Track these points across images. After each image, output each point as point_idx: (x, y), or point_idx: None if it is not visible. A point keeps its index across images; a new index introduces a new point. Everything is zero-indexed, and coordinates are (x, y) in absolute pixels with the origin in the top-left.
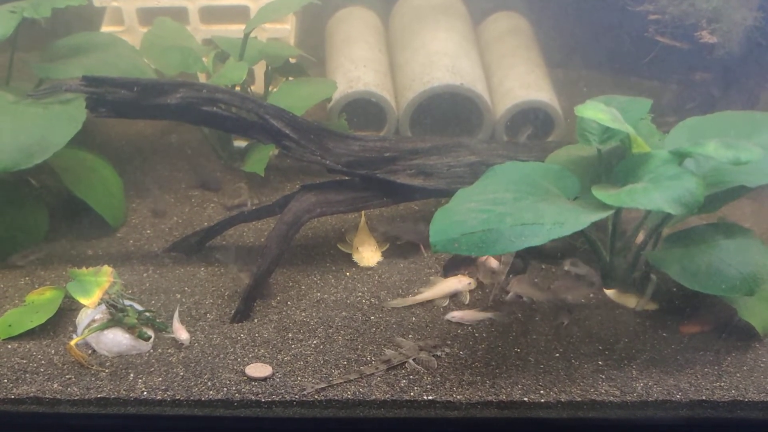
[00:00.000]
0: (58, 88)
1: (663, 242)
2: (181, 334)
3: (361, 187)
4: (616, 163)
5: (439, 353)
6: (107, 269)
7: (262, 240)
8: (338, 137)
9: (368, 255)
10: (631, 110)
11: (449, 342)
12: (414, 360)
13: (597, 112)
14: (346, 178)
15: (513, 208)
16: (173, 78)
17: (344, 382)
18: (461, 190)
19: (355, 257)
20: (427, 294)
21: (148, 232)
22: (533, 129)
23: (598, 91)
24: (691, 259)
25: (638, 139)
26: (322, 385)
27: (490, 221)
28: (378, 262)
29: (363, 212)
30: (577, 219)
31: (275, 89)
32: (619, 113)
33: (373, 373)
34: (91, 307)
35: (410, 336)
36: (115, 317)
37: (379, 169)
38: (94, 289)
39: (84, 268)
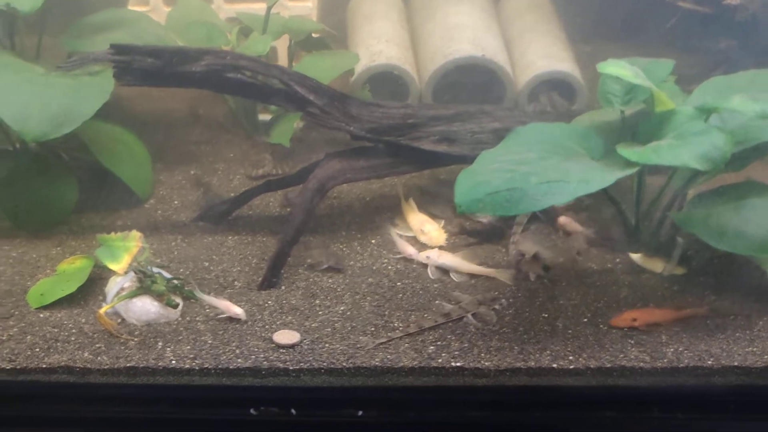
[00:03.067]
0: (86, 59)
1: (689, 203)
2: (234, 308)
3: (385, 154)
4: (640, 124)
5: (497, 306)
6: (135, 234)
7: (288, 209)
8: (362, 104)
9: (436, 234)
10: (654, 71)
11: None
12: (473, 314)
13: (619, 68)
14: (370, 144)
15: (538, 168)
16: (199, 47)
17: (404, 335)
18: (485, 152)
19: (422, 239)
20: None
21: (176, 203)
22: (558, 97)
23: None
24: (719, 219)
25: (662, 95)
26: (382, 340)
27: (515, 180)
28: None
29: (408, 197)
30: (602, 176)
31: (297, 64)
32: (641, 72)
33: (432, 327)
34: (120, 272)
35: (437, 301)
36: (144, 284)
37: (403, 135)
38: (123, 255)
39: (112, 234)
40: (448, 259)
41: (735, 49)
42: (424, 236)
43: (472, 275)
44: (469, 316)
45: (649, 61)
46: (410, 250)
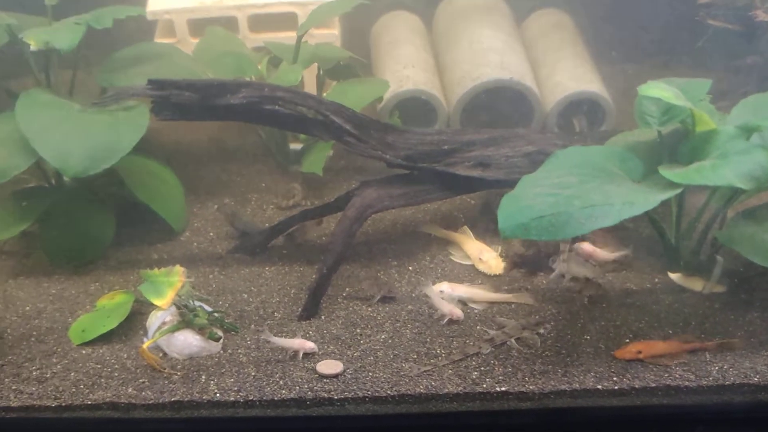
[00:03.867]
0: (122, 94)
1: (731, 221)
2: (307, 344)
3: (421, 180)
4: (678, 145)
5: (541, 331)
6: (179, 269)
7: (324, 238)
8: (397, 132)
9: (495, 262)
10: (690, 91)
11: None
12: (516, 339)
13: (660, 90)
14: (405, 171)
15: (580, 191)
16: (236, 78)
17: (449, 363)
18: (525, 176)
19: (481, 267)
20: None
21: (211, 234)
22: (586, 119)
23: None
24: (764, 236)
25: (704, 115)
26: (427, 368)
27: (559, 204)
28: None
29: (461, 224)
30: (646, 198)
31: (327, 91)
32: (681, 93)
33: (477, 353)
34: (164, 307)
35: (477, 327)
36: (186, 318)
37: (438, 161)
38: (167, 290)
39: (155, 269)
40: (463, 291)
41: (763, 65)
42: (483, 264)
43: (491, 303)
44: (513, 341)
45: (686, 81)
46: (446, 308)
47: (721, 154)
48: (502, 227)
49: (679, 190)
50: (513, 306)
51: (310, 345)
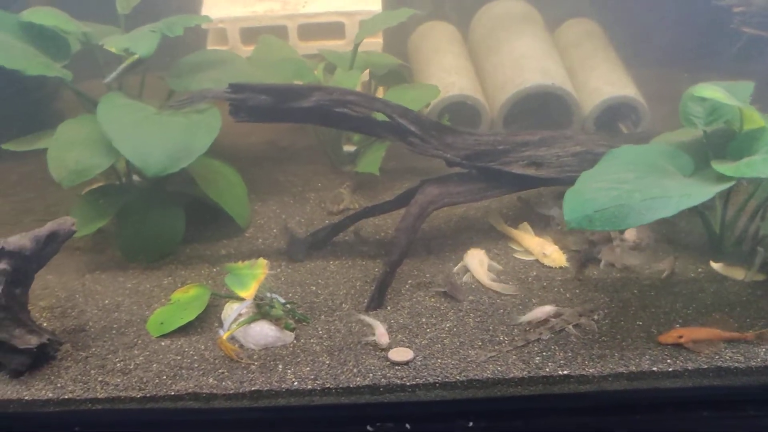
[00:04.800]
0: (197, 97)
1: None
2: (385, 337)
3: (478, 179)
4: (721, 143)
5: (596, 317)
6: (262, 261)
7: (382, 234)
8: (456, 133)
9: (557, 255)
10: (735, 92)
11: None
12: (574, 326)
13: (712, 91)
14: (463, 170)
15: (638, 185)
16: (308, 84)
17: (512, 348)
18: (584, 173)
19: (546, 261)
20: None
21: (275, 231)
22: (626, 122)
23: (674, 87)
24: None
25: (754, 113)
26: (492, 354)
27: (621, 197)
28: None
29: (525, 223)
30: (701, 191)
31: (380, 96)
32: (726, 92)
33: (538, 339)
34: (248, 298)
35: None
36: (263, 310)
37: (494, 161)
38: (251, 282)
39: (240, 262)
40: (476, 265)
41: None
42: (547, 258)
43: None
44: (571, 327)
45: (729, 83)
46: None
47: None
48: (568, 219)
49: (731, 183)
50: (569, 295)
51: (386, 339)
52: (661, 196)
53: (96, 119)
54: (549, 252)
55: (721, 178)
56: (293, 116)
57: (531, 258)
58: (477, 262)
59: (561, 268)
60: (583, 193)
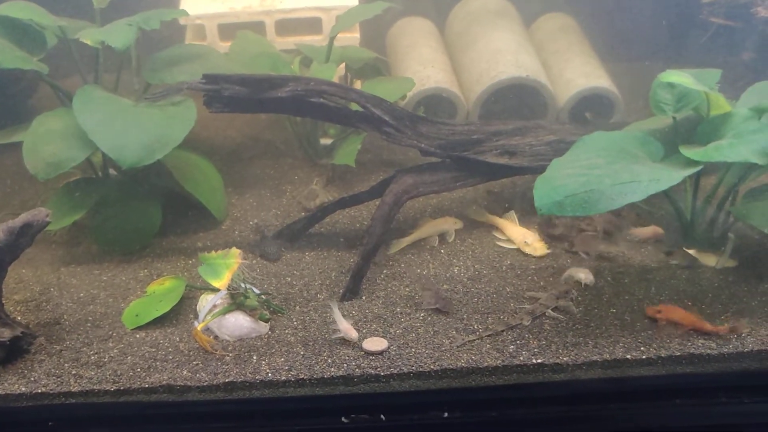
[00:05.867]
0: (173, 90)
1: (743, 198)
2: (352, 333)
3: (452, 168)
4: (691, 130)
5: (573, 295)
6: (235, 251)
7: (357, 225)
8: (430, 123)
9: (539, 245)
10: (703, 79)
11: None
12: (553, 309)
13: (679, 76)
14: (437, 160)
15: (609, 171)
16: (283, 74)
17: (493, 333)
18: (555, 160)
19: (527, 250)
20: (417, 233)
21: (251, 223)
22: (597, 112)
23: (647, 81)
24: None
25: (720, 99)
26: (472, 337)
27: (591, 183)
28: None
29: (511, 211)
30: (670, 175)
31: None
32: (693, 78)
33: (519, 324)
34: (222, 288)
35: (511, 304)
36: (237, 300)
37: (468, 150)
38: (224, 272)
39: (213, 252)
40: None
41: (757, 61)
42: (529, 248)
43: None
44: (550, 311)
45: (698, 71)
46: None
47: (736, 134)
48: (538, 205)
49: (699, 168)
50: (542, 284)
51: (354, 334)
52: (630, 180)
53: (72, 113)
54: (530, 241)
55: (690, 162)
56: (268, 106)
57: (513, 246)
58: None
59: (540, 256)
60: (554, 179)
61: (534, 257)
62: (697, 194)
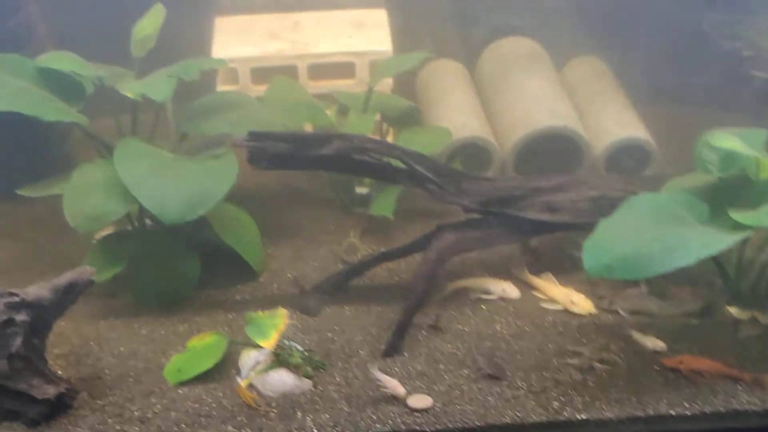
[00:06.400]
0: (213, 142)
1: None
2: (399, 389)
3: (493, 224)
4: (737, 188)
5: (613, 350)
6: (282, 311)
7: (396, 278)
8: (472, 179)
9: (586, 304)
10: (749, 139)
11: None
12: (598, 361)
13: (732, 142)
14: (479, 216)
15: (657, 234)
16: (326, 130)
17: (542, 389)
18: (603, 221)
19: (575, 309)
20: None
21: (289, 275)
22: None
23: (682, 125)
24: None
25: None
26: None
27: (640, 246)
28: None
29: (548, 272)
30: (719, 240)
31: (393, 139)
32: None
33: (567, 379)
34: (270, 348)
35: (554, 361)
36: (281, 357)
37: (510, 206)
38: (271, 332)
39: (259, 312)
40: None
41: None
42: (576, 306)
43: None
44: (596, 363)
45: (744, 130)
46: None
47: None
48: (588, 267)
49: (749, 232)
50: (585, 340)
51: (401, 390)
52: (680, 245)
53: (111, 164)
54: (576, 300)
55: (739, 226)
56: (313, 164)
57: (558, 307)
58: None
59: (591, 314)
60: (603, 242)
61: (578, 315)
62: (744, 253)
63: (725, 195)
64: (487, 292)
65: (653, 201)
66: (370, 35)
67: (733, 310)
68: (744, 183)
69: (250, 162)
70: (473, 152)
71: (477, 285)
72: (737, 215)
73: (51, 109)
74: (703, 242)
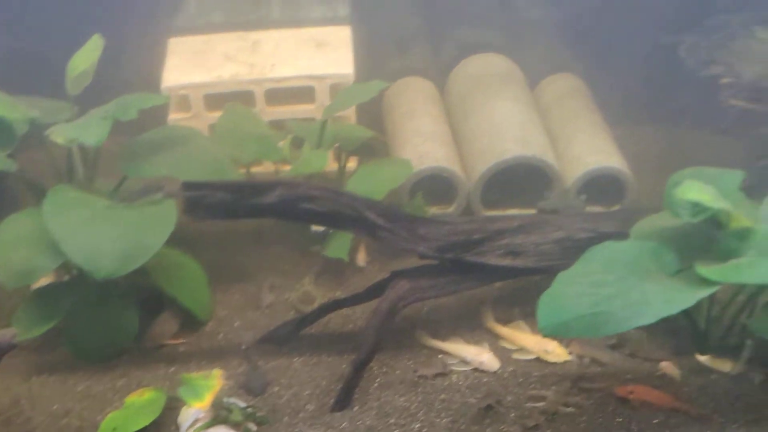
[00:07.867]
0: (152, 188)
1: (762, 310)
2: None
3: (451, 271)
4: (712, 237)
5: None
6: (217, 372)
7: (350, 326)
8: (428, 223)
9: (561, 351)
10: (722, 183)
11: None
12: (563, 404)
13: (700, 193)
14: (435, 262)
15: (618, 290)
16: (270, 178)
17: None
18: (561, 273)
19: (550, 358)
20: (450, 347)
21: (236, 324)
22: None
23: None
24: None
25: (740, 216)
26: None
27: (599, 304)
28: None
29: (520, 321)
30: (683, 297)
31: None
32: (718, 194)
33: (535, 425)
34: (203, 409)
35: (511, 414)
36: (220, 415)
37: (469, 251)
38: (205, 393)
39: (194, 373)
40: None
41: None
42: (551, 355)
43: None
44: (561, 407)
45: (717, 172)
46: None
47: (758, 252)
48: (542, 326)
49: (716, 288)
50: (545, 392)
51: None
52: (641, 302)
53: (41, 213)
54: (551, 349)
55: (706, 281)
56: (256, 213)
57: (531, 357)
58: None
59: (565, 362)
60: (560, 298)
61: (548, 363)
62: (713, 303)
63: (695, 240)
64: (464, 361)
65: (616, 251)
66: (331, 57)
67: (703, 359)
68: (716, 226)
69: (186, 213)
70: (437, 181)
71: (455, 351)
72: (704, 270)
73: None
74: (666, 299)
